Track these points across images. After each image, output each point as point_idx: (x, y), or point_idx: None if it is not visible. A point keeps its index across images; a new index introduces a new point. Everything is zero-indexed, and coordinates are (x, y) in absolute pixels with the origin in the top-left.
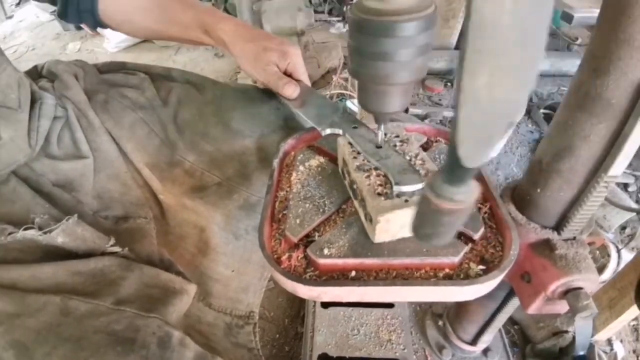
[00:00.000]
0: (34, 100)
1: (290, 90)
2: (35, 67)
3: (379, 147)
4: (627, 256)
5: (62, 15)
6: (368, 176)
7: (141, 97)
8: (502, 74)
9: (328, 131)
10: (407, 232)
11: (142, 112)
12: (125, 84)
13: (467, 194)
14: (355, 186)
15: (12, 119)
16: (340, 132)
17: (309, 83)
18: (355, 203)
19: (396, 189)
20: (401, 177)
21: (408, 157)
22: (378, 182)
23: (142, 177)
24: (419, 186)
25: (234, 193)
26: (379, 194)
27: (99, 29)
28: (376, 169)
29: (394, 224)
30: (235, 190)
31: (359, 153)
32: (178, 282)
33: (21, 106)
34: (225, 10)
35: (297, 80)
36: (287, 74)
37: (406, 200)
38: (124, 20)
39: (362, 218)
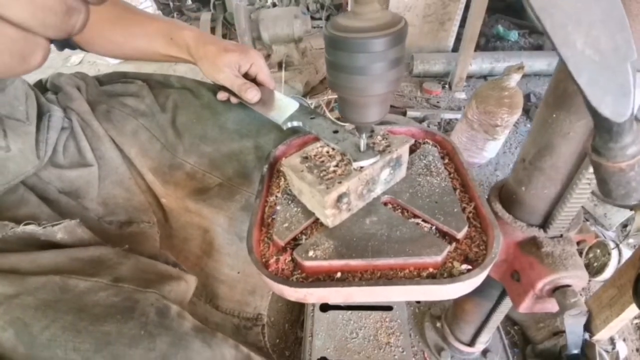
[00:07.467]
0: (42, 113)
1: (252, 95)
2: (40, 80)
3: (335, 132)
4: (628, 253)
5: None
6: (308, 179)
7: (141, 104)
8: (591, 27)
9: (289, 125)
10: (355, 209)
11: (142, 119)
12: (125, 92)
13: (637, 142)
14: (303, 190)
15: (20, 132)
16: (301, 124)
17: (273, 84)
18: (314, 203)
19: (355, 164)
20: (357, 154)
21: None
22: (318, 181)
23: (145, 182)
24: (373, 160)
25: (236, 194)
26: (319, 184)
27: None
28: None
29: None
30: (236, 190)
31: (302, 171)
32: (175, 272)
33: (29, 118)
34: (225, 19)
35: (260, 84)
36: (252, 78)
37: (339, 182)
38: (93, 36)
39: (320, 216)
